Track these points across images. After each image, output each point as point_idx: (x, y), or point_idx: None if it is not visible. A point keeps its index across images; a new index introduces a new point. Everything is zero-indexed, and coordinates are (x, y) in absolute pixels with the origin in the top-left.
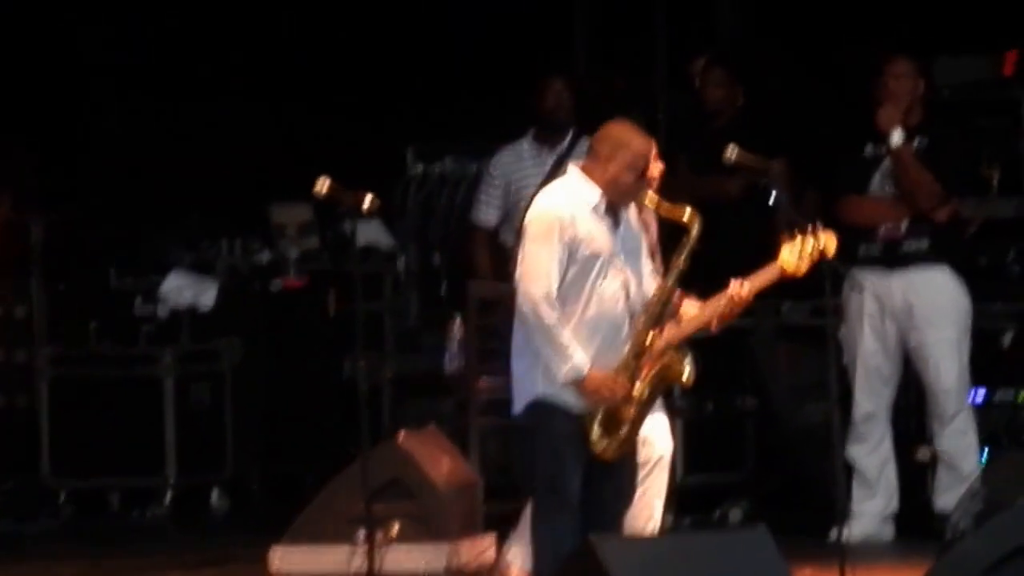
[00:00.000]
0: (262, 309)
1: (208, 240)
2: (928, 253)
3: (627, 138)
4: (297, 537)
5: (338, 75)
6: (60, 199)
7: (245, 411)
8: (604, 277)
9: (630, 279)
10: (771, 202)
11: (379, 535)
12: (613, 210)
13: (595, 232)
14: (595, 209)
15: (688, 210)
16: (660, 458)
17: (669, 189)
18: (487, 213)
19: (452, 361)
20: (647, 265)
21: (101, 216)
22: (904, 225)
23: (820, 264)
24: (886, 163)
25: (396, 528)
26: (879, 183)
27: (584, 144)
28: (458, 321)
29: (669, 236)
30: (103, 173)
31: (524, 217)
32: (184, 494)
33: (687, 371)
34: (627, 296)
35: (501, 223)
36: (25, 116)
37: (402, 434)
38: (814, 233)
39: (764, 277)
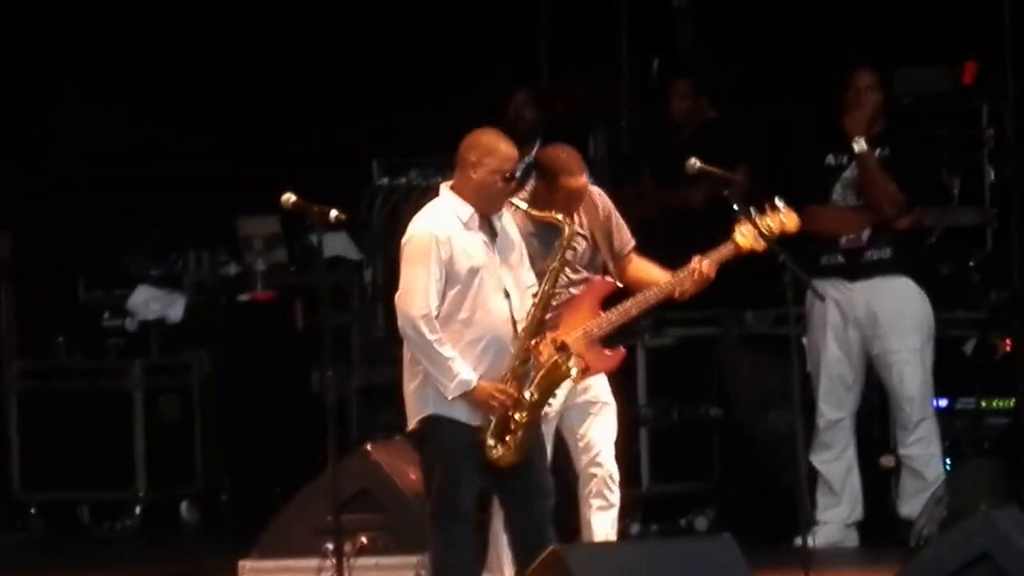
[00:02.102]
0: (230, 322)
1: (175, 253)
2: (890, 262)
3: (493, 144)
4: (266, 550)
5: (303, 87)
6: (26, 212)
7: (214, 423)
8: (486, 290)
9: (511, 289)
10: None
11: (348, 547)
12: (488, 222)
13: (470, 247)
14: (467, 224)
15: (559, 215)
16: (605, 404)
17: (633, 200)
18: None
19: None
20: (528, 273)
21: (68, 229)
22: (866, 235)
23: (780, 247)
24: (847, 173)
25: (364, 540)
26: (840, 193)
27: None
28: None
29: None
30: (69, 186)
31: None
32: (154, 506)
33: (573, 370)
34: (511, 306)
35: None
36: None
37: (370, 445)
38: (772, 211)
39: (722, 253)
